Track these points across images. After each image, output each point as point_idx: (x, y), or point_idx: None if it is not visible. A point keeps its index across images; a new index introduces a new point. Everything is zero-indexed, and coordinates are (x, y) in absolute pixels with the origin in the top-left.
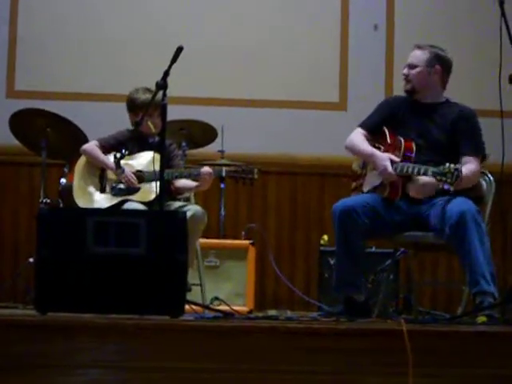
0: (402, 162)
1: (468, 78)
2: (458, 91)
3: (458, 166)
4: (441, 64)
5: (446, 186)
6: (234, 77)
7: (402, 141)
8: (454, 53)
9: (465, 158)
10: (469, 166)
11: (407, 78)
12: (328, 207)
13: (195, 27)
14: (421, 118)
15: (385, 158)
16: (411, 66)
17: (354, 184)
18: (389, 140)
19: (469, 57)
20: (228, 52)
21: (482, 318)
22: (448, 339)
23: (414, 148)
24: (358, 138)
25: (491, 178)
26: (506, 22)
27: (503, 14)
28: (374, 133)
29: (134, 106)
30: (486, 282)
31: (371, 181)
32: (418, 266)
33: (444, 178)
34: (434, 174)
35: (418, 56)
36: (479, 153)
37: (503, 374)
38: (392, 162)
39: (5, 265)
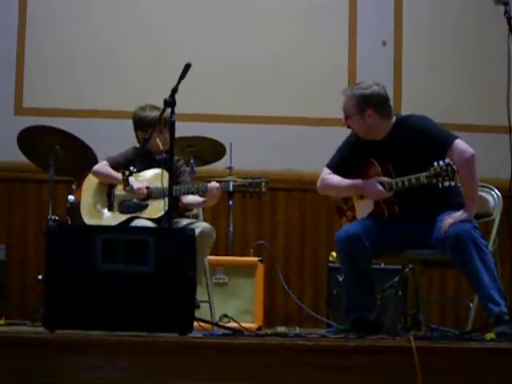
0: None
1: (476, 94)
2: (465, 107)
3: (446, 160)
4: (370, 105)
5: (446, 184)
6: (242, 93)
7: (376, 163)
8: (461, 69)
9: (448, 152)
10: (456, 152)
11: (349, 127)
12: (336, 223)
13: (203, 44)
14: (382, 154)
15: (373, 183)
16: (346, 116)
17: (344, 219)
18: (362, 166)
19: (477, 73)
20: (236, 69)
21: (490, 335)
22: (457, 356)
23: (391, 168)
24: (332, 177)
25: (499, 194)
26: None
27: (511, 30)
28: (340, 171)
29: (143, 123)
30: (493, 303)
31: (364, 209)
32: (426, 282)
33: (441, 178)
34: (429, 178)
35: (347, 105)
36: (452, 138)
37: None
38: (381, 183)
39: (13, 282)
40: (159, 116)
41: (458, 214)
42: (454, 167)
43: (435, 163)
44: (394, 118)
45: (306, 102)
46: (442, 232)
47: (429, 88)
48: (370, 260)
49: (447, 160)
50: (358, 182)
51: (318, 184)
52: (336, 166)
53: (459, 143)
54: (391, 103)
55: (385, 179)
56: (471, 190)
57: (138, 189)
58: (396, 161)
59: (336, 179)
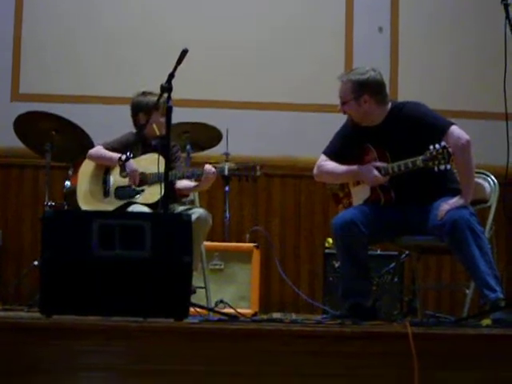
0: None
1: (472, 80)
2: (462, 93)
3: (441, 143)
4: (366, 91)
5: (441, 167)
6: (238, 79)
7: (373, 149)
8: (458, 55)
9: (444, 138)
10: (452, 138)
11: (345, 113)
12: (332, 210)
13: (199, 30)
14: (377, 141)
15: (370, 168)
16: (342, 102)
17: (340, 206)
18: (359, 152)
19: (473, 59)
20: (232, 55)
21: (486, 321)
22: (453, 342)
23: (388, 154)
24: (328, 163)
25: (495, 180)
26: (510, 25)
27: (508, 17)
28: (338, 158)
29: (146, 106)
30: (490, 290)
31: (360, 195)
32: (423, 268)
33: (437, 162)
34: (425, 161)
35: (343, 90)
36: (448, 125)
37: (509, 376)
38: (377, 168)
39: (9, 267)
40: (158, 99)
41: (454, 201)
42: (450, 150)
43: (431, 146)
44: (389, 105)
45: (302, 89)
46: (439, 219)
47: (425, 74)
48: (366, 246)
49: (443, 143)
50: (353, 167)
51: (315, 171)
52: (332, 152)
53: (455, 129)
54: (388, 89)
55: (381, 164)
56: (467, 175)
57: (132, 171)
58: (392, 146)
59: (332, 165)
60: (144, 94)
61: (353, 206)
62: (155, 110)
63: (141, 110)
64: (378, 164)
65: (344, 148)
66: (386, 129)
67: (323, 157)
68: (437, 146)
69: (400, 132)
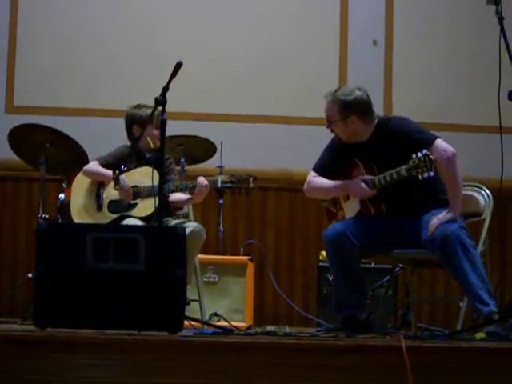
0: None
1: (467, 94)
2: (456, 107)
3: (423, 151)
4: (354, 112)
5: (425, 175)
6: (232, 92)
7: (360, 163)
8: (453, 69)
9: (429, 151)
10: (437, 152)
11: (332, 131)
12: (326, 223)
13: (195, 43)
14: (364, 157)
15: (357, 182)
16: (328, 122)
17: (334, 221)
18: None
19: (468, 73)
20: (226, 67)
21: (480, 335)
22: (447, 355)
23: (375, 167)
24: (317, 179)
25: (489, 193)
26: (505, 38)
27: (502, 30)
28: (327, 174)
29: (140, 119)
30: (482, 304)
31: (351, 209)
32: (417, 281)
33: (420, 170)
34: (409, 170)
35: (330, 110)
36: (433, 138)
37: None
38: (365, 181)
39: (3, 280)
40: (152, 112)
41: (443, 215)
42: (432, 157)
43: (413, 155)
44: (375, 121)
45: (296, 102)
46: (429, 234)
47: (419, 88)
48: (358, 258)
49: (424, 151)
50: (342, 182)
51: (305, 186)
52: (321, 168)
53: (440, 143)
54: (381, 103)
55: (368, 177)
56: (454, 188)
57: (125, 188)
58: (379, 160)
59: (321, 181)
60: (138, 106)
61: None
62: (149, 123)
63: (135, 122)
64: (365, 177)
65: (332, 163)
66: (373, 144)
67: (313, 173)
68: (419, 154)
69: (386, 147)
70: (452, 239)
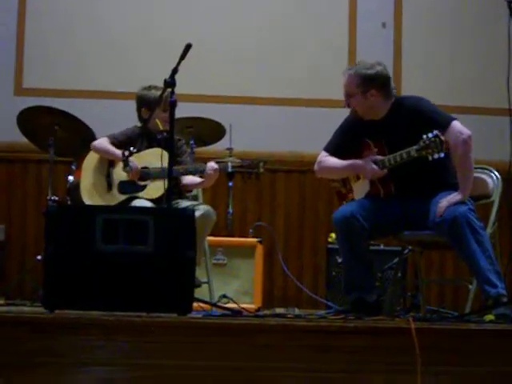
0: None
1: (476, 76)
2: (465, 89)
3: (434, 132)
4: (374, 85)
5: (435, 156)
6: (242, 75)
7: (371, 143)
8: (461, 51)
9: (445, 133)
10: (453, 133)
11: (349, 106)
12: (336, 205)
13: (204, 25)
14: (379, 135)
15: (367, 161)
16: (347, 95)
17: (344, 202)
18: (359, 147)
19: (477, 55)
20: (236, 50)
21: (489, 317)
22: (456, 337)
23: (385, 147)
24: (328, 159)
25: (498, 176)
26: None
27: (511, 12)
28: (339, 154)
29: (148, 101)
30: (491, 286)
31: (361, 190)
32: (426, 263)
33: (430, 150)
34: (419, 151)
35: (349, 84)
36: (449, 120)
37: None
38: (374, 161)
39: (12, 262)
40: (161, 94)
41: (452, 197)
42: (443, 138)
43: (424, 136)
44: (393, 99)
45: (306, 84)
46: (437, 215)
47: (428, 70)
48: (366, 239)
49: (435, 132)
50: (352, 161)
51: (316, 167)
52: (333, 148)
53: (456, 124)
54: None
55: (378, 157)
56: (466, 170)
57: (134, 169)
58: (391, 141)
59: (332, 161)
60: (148, 88)
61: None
62: (157, 106)
63: (143, 105)
64: (376, 157)
65: (344, 143)
66: (387, 122)
67: (324, 153)
68: (429, 134)
69: (401, 125)
70: (461, 221)
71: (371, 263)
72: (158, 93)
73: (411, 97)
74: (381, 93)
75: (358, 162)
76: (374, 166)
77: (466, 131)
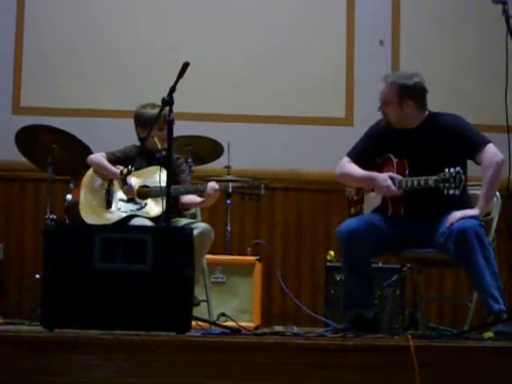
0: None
1: (473, 93)
2: (464, 106)
3: (457, 169)
4: (411, 96)
5: (451, 192)
6: (240, 92)
7: (394, 159)
8: (459, 68)
9: (479, 153)
10: (488, 154)
11: (383, 113)
12: (334, 223)
13: (202, 43)
14: (406, 145)
15: (385, 177)
16: (383, 103)
17: (352, 210)
18: (380, 161)
19: (474, 72)
20: (234, 68)
21: (488, 334)
22: (455, 355)
23: (407, 165)
24: (350, 165)
25: (497, 193)
26: None
27: (509, 30)
28: (361, 161)
29: (143, 120)
30: (494, 301)
31: (371, 203)
32: (425, 281)
33: (447, 184)
34: (436, 182)
35: (387, 92)
36: (484, 144)
37: None
38: (392, 179)
39: (11, 281)
40: (158, 113)
41: (468, 210)
42: (463, 177)
43: (446, 169)
44: (426, 112)
45: (303, 102)
46: (448, 225)
47: (427, 85)
48: (370, 256)
49: (457, 168)
50: (370, 174)
51: (337, 170)
52: (355, 155)
53: (491, 147)
54: None
55: (397, 177)
56: (490, 190)
57: (129, 189)
58: (416, 156)
59: (352, 168)
60: (144, 106)
61: (362, 212)
62: (154, 124)
63: (139, 123)
64: (394, 175)
65: (367, 152)
66: (418, 134)
67: (346, 158)
68: (451, 169)
69: (432, 140)
70: (470, 233)
71: (372, 281)
72: (155, 111)
73: (449, 113)
74: (416, 104)
75: (376, 176)
76: (391, 184)
77: (500, 155)
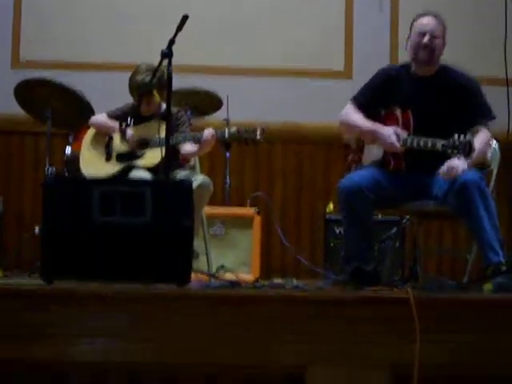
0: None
1: (472, 46)
2: (463, 58)
3: (468, 137)
4: (445, 38)
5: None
6: (239, 45)
7: (399, 114)
8: (458, 20)
9: (475, 128)
10: (479, 137)
11: (430, 47)
12: (334, 175)
13: None
14: (418, 92)
15: (390, 132)
16: (433, 36)
17: (350, 157)
18: (384, 112)
19: (474, 24)
20: (233, 20)
21: (488, 286)
22: (455, 307)
23: (412, 120)
24: (354, 113)
25: (496, 145)
26: None
27: None
28: (366, 109)
29: (130, 87)
30: (494, 252)
31: (371, 155)
32: (424, 233)
33: (456, 151)
34: (444, 146)
35: (437, 27)
36: (487, 118)
37: (510, 340)
38: (397, 135)
39: (10, 234)
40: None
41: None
42: (474, 147)
43: (456, 135)
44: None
45: (303, 54)
46: (443, 175)
47: None
48: (371, 211)
49: (469, 137)
50: (375, 127)
51: (339, 118)
52: (359, 102)
53: (486, 133)
54: (388, 53)
55: (401, 132)
56: (483, 144)
57: (130, 137)
58: (424, 107)
59: (356, 117)
60: (134, 73)
61: (361, 162)
62: (138, 94)
63: (129, 90)
64: (399, 131)
65: (373, 100)
66: (432, 83)
67: (351, 105)
68: (462, 137)
69: (444, 93)
70: (472, 185)
71: (372, 235)
72: (143, 76)
73: (466, 73)
74: (444, 47)
75: (382, 129)
76: (394, 139)
77: (488, 145)
